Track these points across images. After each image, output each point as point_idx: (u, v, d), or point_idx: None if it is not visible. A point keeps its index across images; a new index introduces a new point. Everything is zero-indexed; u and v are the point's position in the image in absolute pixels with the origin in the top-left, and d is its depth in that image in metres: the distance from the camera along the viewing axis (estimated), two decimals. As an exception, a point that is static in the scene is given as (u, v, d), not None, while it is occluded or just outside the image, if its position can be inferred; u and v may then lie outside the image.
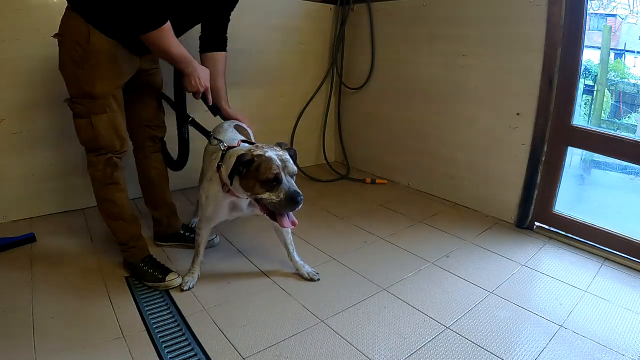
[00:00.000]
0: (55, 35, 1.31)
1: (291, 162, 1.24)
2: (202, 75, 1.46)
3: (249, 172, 1.20)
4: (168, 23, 1.29)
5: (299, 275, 1.61)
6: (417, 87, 2.48)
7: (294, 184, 1.22)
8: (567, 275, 1.68)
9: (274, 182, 1.19)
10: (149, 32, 1.27)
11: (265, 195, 1.21)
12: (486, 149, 2.19)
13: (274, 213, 1.25)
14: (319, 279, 1.59)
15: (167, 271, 1.52)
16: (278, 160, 1.20)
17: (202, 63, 1.65)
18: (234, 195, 1.35)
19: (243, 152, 1.23)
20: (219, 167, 1.34)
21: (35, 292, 1.46)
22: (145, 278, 1.52)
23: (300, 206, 1.20)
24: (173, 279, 1.50)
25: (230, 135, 1.54)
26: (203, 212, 1.45)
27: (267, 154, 1.20)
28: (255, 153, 1.21)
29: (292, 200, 1.19)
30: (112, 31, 1.30)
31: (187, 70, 1.43)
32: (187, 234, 1.82)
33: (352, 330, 1.32)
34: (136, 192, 1.79)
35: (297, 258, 1.62)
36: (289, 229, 1.55)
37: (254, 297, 1.48)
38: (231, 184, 1.24)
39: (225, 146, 1.37)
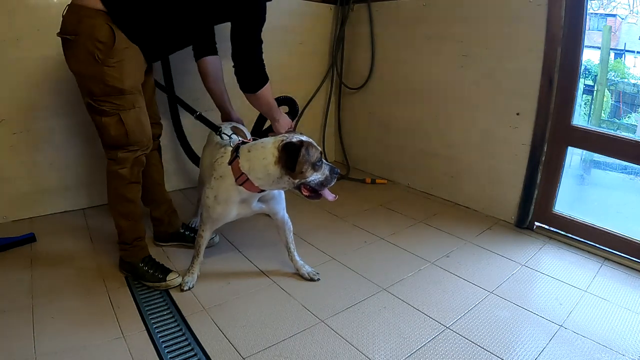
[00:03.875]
0: (62, 34, 1.27)
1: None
2: (286, 122, 1.68)
3: (301, 157, 1.25)
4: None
5: (299, 276, 1.61)
6: (417, 87, 2.48)
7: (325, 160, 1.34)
8: (567, 275, 1.68)
9: (320, 161, 1.29)
10: (264, 86, 1.52)
11: (314, 176, 1.29)
12: (486, 149, 2.19)
13: (317, 192, 1.34)
14: (319, 279, 1.59)
15: (167, 271, 1.52)
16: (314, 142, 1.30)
17: (200, 69, 1.76)
18: (248, 190, 1.33)
19: (282, 141, 1.27)
20: (231, 162, 1.33)
21: (35, 292, 1.46)
22: (145, 278, 1.51)
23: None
24: (174, 279, 1.50)
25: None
26: (209, 214, 1.41)
27: (303, 138, 1.28)
28: (295, 140, 1.26)
29: (334, 173, 1.33)
30: (140, 40, 1.33)
31: (277, 117, 1.65)
32: (188, 232, 1.82)
33: (352, 330, 1.32)
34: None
35: (297, 258, 1.62)
36: (291, 228, 1.60)
37: (254, 297, 1.48)
38: (294, 170, 1.25)
39: (239, 140, 1.41)
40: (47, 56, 1.82)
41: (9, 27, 1.76)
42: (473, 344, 1.27)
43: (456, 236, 1.99)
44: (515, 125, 2.04)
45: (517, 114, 2.02)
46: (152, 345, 1.22)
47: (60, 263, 1.65)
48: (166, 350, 1.21)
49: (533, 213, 2.07)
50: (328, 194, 1.36)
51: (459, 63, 2.22)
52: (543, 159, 1.98)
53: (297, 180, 1.29)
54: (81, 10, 1.24)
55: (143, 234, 1.55)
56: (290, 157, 1.24)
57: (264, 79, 1.52)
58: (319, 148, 1.30)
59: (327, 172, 1.32)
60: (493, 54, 2.06)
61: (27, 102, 1.88)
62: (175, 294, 1.49)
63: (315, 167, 1.28)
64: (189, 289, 1.51)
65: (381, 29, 2.64)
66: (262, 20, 1.48)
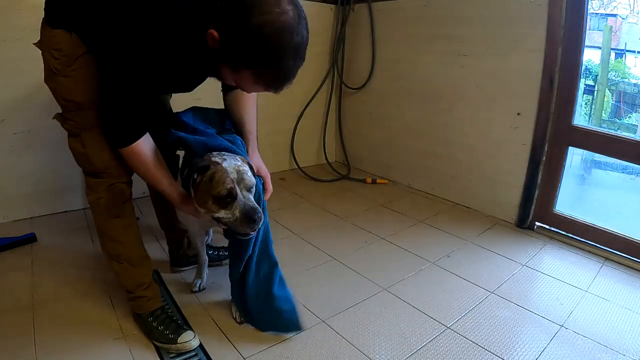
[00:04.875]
0: (36, 43, 1.11)
1: (249, 174, 1.09)
2: (188, 210, 1.17)
3: (202, 183, 1.05)
4: (141, 146, 1.07)
5: (229, 312, 1.39)
6: (417, 87, 2.48)
7: (252, 199, 1.07)
8: (568, 275, 1.68)
9: (228, 199, 1.04)
10: (119, 149, 1.08)
11: (222, 214, 1.05)
12: (487, 148, 2.19)
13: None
14: (241, 323, 1.34)
15: (180, 329, 1.24)
16: (234, 172, 1.05)
17: (226, 104, 1.37)
18: None
19: (200, 158, 1.10)
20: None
21: (36, 292, 1.46)
22: (154, 336, 1.23)
23: (258, 225, 1.05)
24: (187, 341, 1.21)
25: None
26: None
27: (223, 164, 1.06)
28: (212, 159, 1.07)
29: (248, 219, 1.03)
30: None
31: (169, 193, 1.16)
32: (211, 252, 1.65)
33: (352, 330, 1.32)
34: (138, 191, 1.78)
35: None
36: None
37: (254, 297, 1.48)
38: (189, 194, 1.09)
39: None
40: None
41: (9, 27, 1.76)
42: (474, 344, 1.27)
43: (457, 236, 1.99)
44: (516, 125, 2.04)
45: (518, 114, 2.02)
46: (152, 345, 1.22)
47: (60, 263, 1.65)
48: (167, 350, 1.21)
49: (534, 213, 2.07)
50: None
51: (459, 63, 2.22)
52: (544, 159, 1.98)
53: (204, 211, 1.08)
54: (44, 19, 1.07)
55: (146, 280, 1.28)
56: (186, 178, 1.08)
57: (123, 136, 1.06)
58: (230, 184, 1.03)
59: (237, 214, 1.04)
60: (493, 54, 2.06)
61: (27, 102, 1.88)
62: (175, 294, 1.48)
63: (220, 203, 1.04)
64: (200, 290, 1.50)
65: (382, 29, 2.64)
66: (130, 61, 0.99)
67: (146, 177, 1.14)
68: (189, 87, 1.24)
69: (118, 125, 1.05)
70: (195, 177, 1.06)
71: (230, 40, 0.91)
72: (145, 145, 1.08)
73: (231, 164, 1.07)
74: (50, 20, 1.05)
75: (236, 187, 1.05)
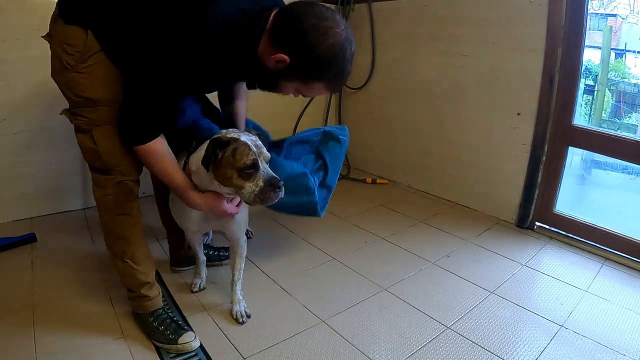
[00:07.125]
0: (45, 36, 1.11)
1: (264, 148, 1.12)
2: (205, 204, 1.14)
3: (224, 158, 1.06)
4: (157, 145, 1.08)
5: (229, 312, 1.39)
6: (417, 87, 2.48)
7: (270, 170, 1.10)
8: (568, 275, 1.68)
9: (251, 169, 1.06)
10: (134, 147, 1.08)
11: (246, 187, 1.06)
12: (487, 148, 2.19)
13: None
14: (243, 322, 1.34)
15: (181, 330, 1.24)
16: (253, 146, 1.08)
17: (226, 112, 1.43)
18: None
19: (217, 135, 1.11)
20: (185, 165, 1.18)
21: (36, 291, 1.46)
22: (154, 337, 1.24)
23: (281, 192, 1.08)
24: (188, 342, 1.21)
25: None
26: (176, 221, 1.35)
27: (242, 138, 1.08)
28: (229, 136, 1.09)
29: (272, 185, 1.06)
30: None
31: (185, 203, 1.18)
32: (212, 252, 1.66)
33: (352, 330, 1.32)
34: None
35: (238, 289, 1.39)
36: (243, 256, 1.39)
37: (254, 296, 1.48)
38: (207, 171, 1.07)
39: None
40: (47, 56, 1.81)
41: (9, 27, 1.75)
42: (474, 344, 1.27)
43: (457, 236, 1.99)
44: (516, 125, 2.04)
45: (518, 114, 2.02)
46: (152, 345, 1.22)
47: (60, 263, 1.65)
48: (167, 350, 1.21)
49: (534, 213, 2.07)
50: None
51: (459, 63, 2.22)
52: (544, 159, 1.98)
53: (229, 190, 1.09)
54: (56, 10, 1.07)
55: (149, 280, 1.26)
56: (206, 155, 1.06)
57: (141, 135, 1.07)
58: (253, 155, 1.06)
59: (260, 184, 1.06)
60: (493, 54, 2.06)
61: (27, 102, 1.88)
62: (175, 295, 1.49)
63: (244, 175, 1.05)
64: (200, 290, 1.50)
65: (382, 29, 2.64)
66: (159, 71, 1.01)
67: (160, 174, 1.13)
68: (213, 89, 1.29)
69: (139, 125, 1.06)
70: (218, 153, 1.06)
71: (301, 62, 1.01)
72: (160, 143, 1.09)
73: (248, 138, 1.10)
74: (65, 15, 1.04)
75: (258, 158, 1.08)
